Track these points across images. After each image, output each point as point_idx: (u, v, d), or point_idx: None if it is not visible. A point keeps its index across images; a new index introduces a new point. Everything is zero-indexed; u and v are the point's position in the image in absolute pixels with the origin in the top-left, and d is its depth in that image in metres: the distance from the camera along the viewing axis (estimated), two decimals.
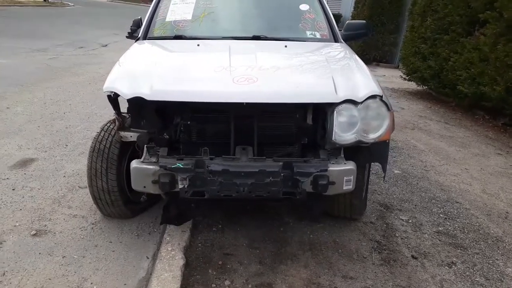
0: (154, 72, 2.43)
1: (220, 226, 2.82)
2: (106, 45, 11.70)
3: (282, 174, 2.19)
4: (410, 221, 3.09)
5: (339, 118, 2.27)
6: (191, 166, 2.19)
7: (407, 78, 8.16)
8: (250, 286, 2.27)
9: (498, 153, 4.86)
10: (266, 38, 3.15)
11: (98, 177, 2.64)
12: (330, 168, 2.25)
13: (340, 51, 3.02)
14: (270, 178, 2.18)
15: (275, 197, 2.24)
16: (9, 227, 2.72)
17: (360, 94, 2.27)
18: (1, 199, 3.07)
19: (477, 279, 2.46)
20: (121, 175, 2.69)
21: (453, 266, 2.57)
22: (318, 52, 3.01)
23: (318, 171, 2.21)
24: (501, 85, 5.35)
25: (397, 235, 2.88)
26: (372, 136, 2.31)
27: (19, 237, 2.63)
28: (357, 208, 2.84)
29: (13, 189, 3.23)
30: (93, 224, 2.84)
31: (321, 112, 2.38)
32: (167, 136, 2.45)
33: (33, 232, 2.67)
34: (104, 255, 2.52)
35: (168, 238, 2.53)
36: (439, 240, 2.85)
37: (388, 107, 2.28)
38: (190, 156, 2.27)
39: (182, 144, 2.47)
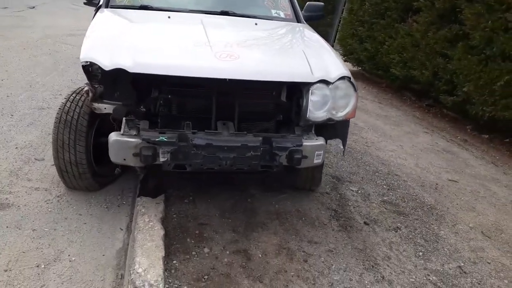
0: (134, 43, 2.41)
1: (191, 198, 2.89)
2: (34, 7, 10.75)
3: (261, 149, 2.31)
4: (359, 191, 3.38)
5: (313, 97, 2.42)
6: (175, 140, 2.23)
7: (343, 58, 8.55)
8: (227, 252, 2.39)
9: (425, 131, 5.36)
10: (234, 14, 3.19)
11: (65, 149, 2.56)
12: (304, 143, 2.40)
13: (306, 32, 3.16)
14: (251, 152, 2.29)
15: (255, 170, 2.37)
16: None
17: (332, 75, 2.44)
18: None
19: (418, 241, 2.80)
20: (89, 147, 2.64)
21: (399, 231, 2.89)
22: (287, 31, 3.13)
23: (294, 146, 2.36)
24: (429, 70, 5.86)
25: (349, 204, 3.15)
26: (340, 114, 2.50)
27: None
28: (317, 180, 3.06)
29: None
30: (58, 197, 2.77)
31: (296, 90, 2.52)
32: (144, 109, 2.44)
33: None
34: (76, 228, 2.49)
35: (143, 210, 2.55)
36: (385, 209, 3.17)
37: (355, 88, 2.48)
38: (172, 130, 2.30)
39: (161, 117, 2.48)
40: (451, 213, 3.25)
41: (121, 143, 2.26)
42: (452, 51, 5.52)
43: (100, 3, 3.25)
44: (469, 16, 5.07)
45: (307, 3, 3.73)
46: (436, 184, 3.78)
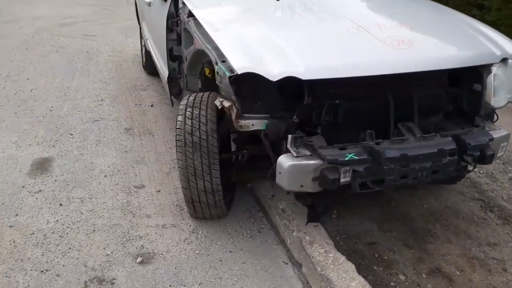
0: (278, 42, 2.01)
1: (335, 211, 2.53)
2: None
3: (457, 151, 1.98)
4: (481, 171, 3.12)
5: (496, 79, 2.09)
6: (366, 156, 1.86)
7: None
8: (424, 275, 2.09)
9: None
10: None
11: (198, 177, 2.15)
12: (495, 136, 2.09)
13: (440, 5, 2.80)
14: (448, 157, 1.95)
15: (449, 176, 2.04)
16: (103, 258, 2.12)
17: (510, 50, 2.12)
18: (57, 220, 2.38)
19: None
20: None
21: None
22: (425, 5, 2.75)
23: (487, 141, 2.04)
24: None
25: (485, 188, 2.88)
26: None
27: (126, 268, 2.07)
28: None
29: (60, 205, 2.52)
30: (192, 232, 2.36)
31: (469, 75, 2.17)
32: (297, 120, 2.02)
33: (139, 259, 2.12)
34: (240, 271, 2.11)
35: (308, 238, 2.19)
36: None
37: None
38: (353, 144, 1.92)
39: (323, 128, 2.07)
40: None
41: (299, 167, 1.87)
42: (489, 1, 5.24)
43: None
44: None
45: None
46: None
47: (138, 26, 5.06)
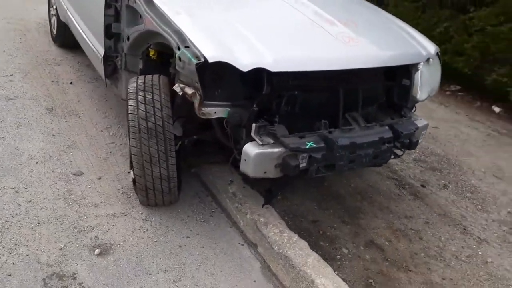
0: (243, 33, 2.08)
1: (279, 193, 2.71)
2: None
3: (393, 138, 2.26)
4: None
5: (422, 76, 2.42)
6: (323, 144, 2.04)
7: None
8: (361, 248, 2.39)
9: None
10: None
11: (154, 164, 2.16)
12: (419, 125, 2.43)
13: (370, 4, 3.05)
14: (386, 144, 2.23)
15: (386, 162, 2.33)
16: (57, 252, 2.00)
17: (432, 51, 2.47)
18: None
19: (467, 195, 3.16)
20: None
21: (448, 188, 3.20)
22: (358, 4, 2.96)
23: (414, 130, 2.36)
24: None
25: (396, 168, 3.33)
26: (433, 92, 2.57)
27: (85, 262, 1.99)
28: None
29: None
30: (146, 220, 2.34)
31: (399, 71, 2.47)
32: (257, 109, 2.11)
33: (97, 251, 2.05)
34: (200, 255, 2.18)
35: (262, 219, 2.33)
36: (421, 167, 3.42)
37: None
38: (310, 133, 2.09)
39: (280, 117, 2.18)
40: (461, 160, 3.67)
41: (264, 155, 1.98)
42: None
43: None
44: None
45: None
46: (429, 133, 4.18)
47: None
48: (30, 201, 2.28)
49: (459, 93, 5.50)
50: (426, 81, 2.47)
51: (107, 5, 2.66)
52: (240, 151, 2.09)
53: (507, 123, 4.85)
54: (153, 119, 2.14)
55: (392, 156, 2.38)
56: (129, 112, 2.19)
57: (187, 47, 1.95)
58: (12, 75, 3.68)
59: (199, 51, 1.90)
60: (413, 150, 3.37)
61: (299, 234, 2.32)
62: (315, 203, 2.69)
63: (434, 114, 4.64)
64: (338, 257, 2.29)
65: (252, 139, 2.03)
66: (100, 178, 2.59)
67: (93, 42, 2.98)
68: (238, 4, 2.44)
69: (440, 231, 2.64)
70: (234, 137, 2.17)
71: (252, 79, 2.04)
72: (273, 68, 1.92)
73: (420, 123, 2.49)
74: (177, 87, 2.08)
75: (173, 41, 2.03)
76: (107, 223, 2.25)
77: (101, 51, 2.82)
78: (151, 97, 2.19)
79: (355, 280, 2.14)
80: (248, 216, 2.38)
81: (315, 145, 2.02)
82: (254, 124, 2.02)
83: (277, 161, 2.00)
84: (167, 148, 2.16)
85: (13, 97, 3.32)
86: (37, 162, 2.61)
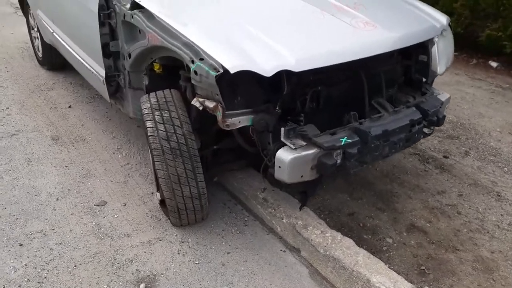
0: (263, 35, 1.95)
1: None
2: None
3: (421, 119, 2.18)
4: None
5: (439, 49, 2.33)
6: (357, 138, 1.94)
7: None
8: (404, 234, 2.32)
9: None
10: None
11: (183, 184, 2.06)
12: (443, 100, 2.34)
13: None
14: (416, 126, 2.14)
15: (416, 142, 2.26)
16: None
17: (444, 22, 2.37)
18: (26, 265, 2.03)
19: (491, 158, 3.10)
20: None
21: (470, 154, 3.14)
22: None
23: (440, 106, 2.27)
24: None
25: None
26: (450, 63, 2.47)
27: None
28: None
29: (21, 245, 2.16)
30: (182, 242, 2.24)
31: (416, 48, 2.35)
32: (280, 111, 1.99)
33: (142, 286, 1.95)
34: (246, 270, 2.09)
35: (301, 223, 2.24)
36: (439, 137, 3.36)
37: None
38: (340, 128, 1.99)
39: (305, 115, 2.08)
40: (474, 123, 3.61)
41: (299, 159, 1.88)
42: None
43: None
44: None
45: None
46: None
47: (21, 14, 4.33)
48: (61, 243, 2.17)
49: (454, 53, 5.42)
50: (443, 54, 2.37)
51: (101, 24, 2.51)
52: (271, 158, 1.99)
53: (507, 77, 4.81)
54: (175, 138, 2.03)
55: (422, 136, 2.29)
56: (149, 134, 2.08)
57: (201, 59, 1.83)
58: (8, 108, 3.50)
59: (216, 62, 1.78)
60: None
61: (340, 231, 2.24)
62: (347, 194, 2.61)
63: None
64: (385, 248, 2.22)
65: (282, 143, 1.93)
66: (125, 205, 2.47)
67: (91, 64, 2.82)
68: (242, 4, 2.29)
69: (475, 202, 2.58)
70: (261, 143, 2.06)
71: (269, 81, 1.92)
72: (296, 69, 1.81)
73: (443, 97, 2.40)
74: (196, 102, 1.96)
75: (185, 54, 1.90)
76: (144, 252, 2.14)
77: (101, 71, 2.67)
78: (168, 116, 2.08)
79: (407, 270, 2.07)
80: (284, 220, 2.29)
81: (350, 140, 1.92)
82: (282, 128, 1.92)
83: (312, 163, 1.90)
84: (194, 166, 2.06)
85: (15, 132, 3.16)
86: (57, 199, 2.48)
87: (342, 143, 1.90)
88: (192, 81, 1.91)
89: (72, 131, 3.24)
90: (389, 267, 1.98)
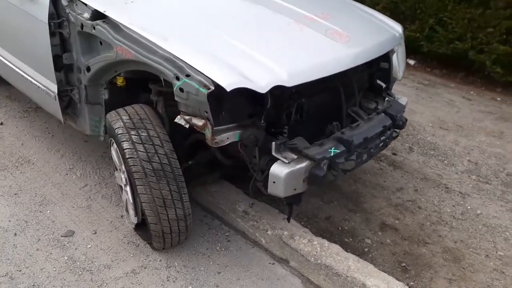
0: (248, 49, 1.91)
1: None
2: None
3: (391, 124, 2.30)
4: None
5: (398, 56, 2.48)
6: (344, 148, 1.99)
7: None
8: (379, 233, 2.45)
9: None
10: None
11: (168, 206, 1.96)
12: (403, 104, 2.49)
13: None
14: (387, 131, 2.25)
15: (387, 146, 2.38)
16: None
17: (400, 31, 2.54)
18: None
19: (432, 153, 3.39)
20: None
21: (413, 151, 3.41)
22: None
23: (403, 110, 2.42)
24: None
25: None
26: (404, 67, 2.65)
27: None
28: None
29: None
30: (169, 267, 2.12)
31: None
32: (264, 124, 1.97)
33: None
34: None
35: (286, 233, 2.25)
36: None
37: None
38: (325, 139, 2.02)
39: (289, 126, 2.07)
40: (410, 119, 3.92)
41: (294, 173, 1.88)
42: None
43: None
44: None
45: None
46: None
47: None
48: (33, 285, 1.91)
49: None
50: (401, 61, 2.52)
51: (52, 34, 2.24)
52: (260, 172, 1.97)
53: (424, 73, 5.29)
54: (157, 158, 1.92)
55: (391, 140, 2.42)
56: (127, 156, 1.92)
57: (188, 75, 1.73)
58: None
59: (206, 78, 1.70)
60: None
61: (323, 237, 2.30)
62: (318, 198, 2.68)
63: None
64: (366, 249, 2.32)
65: (272, 158, 1.91)
66: (95, 233, 2.26)
67: (37, 78, 2.51)
68: (218, 17, 2.19)
69: (429, 195, 2.82)
70: (249, 157, 2.02)
71: (250, 94, 1.89)
72: (289, 84, 1.81)
73: (403, 101, 2.55)
74: (180, 120, 1.87)
75: (168, 70, 1.79)
76: (132, 283, 1.99)
77: (52, 86, 2.40)
78: (146, 135, 1.95)
79: (392, 269, 2.19)
80: (269, 232, 2.29)
81: (338, 150, 1.96)
82: (273, 143, 1.90)
83: (304, 175, 1.91)
84: (179, 186, 1.96)
85: None
86: (15, 234, 2.18)
87: (331, 154, 1.93)
88: (177, 98, 1.81)
89: (12, 152, 2.86)
90: (378, 269, 2.08)
